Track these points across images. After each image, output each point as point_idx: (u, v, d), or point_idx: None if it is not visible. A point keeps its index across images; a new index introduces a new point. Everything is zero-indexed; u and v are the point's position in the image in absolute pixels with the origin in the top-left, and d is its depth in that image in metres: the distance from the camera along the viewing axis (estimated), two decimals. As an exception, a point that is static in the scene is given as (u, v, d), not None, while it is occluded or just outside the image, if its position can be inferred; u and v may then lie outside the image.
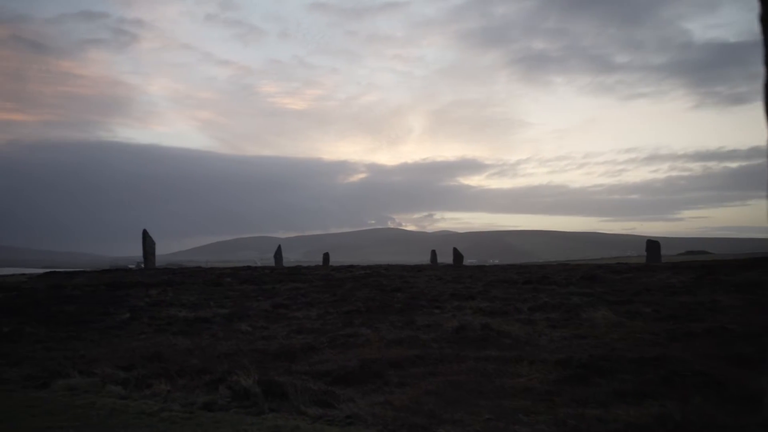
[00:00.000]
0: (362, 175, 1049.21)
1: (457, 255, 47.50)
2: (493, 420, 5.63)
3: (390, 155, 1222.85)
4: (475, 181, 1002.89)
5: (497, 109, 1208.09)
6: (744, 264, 26.28)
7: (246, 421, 5.92)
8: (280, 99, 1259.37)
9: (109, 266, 64.98)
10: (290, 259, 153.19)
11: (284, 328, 12.37)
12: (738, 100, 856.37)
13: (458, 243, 71.51)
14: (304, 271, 33.20)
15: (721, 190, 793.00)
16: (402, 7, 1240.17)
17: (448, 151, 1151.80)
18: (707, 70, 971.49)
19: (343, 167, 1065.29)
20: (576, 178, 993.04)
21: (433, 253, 52.41)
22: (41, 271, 38.26)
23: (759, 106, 2.62)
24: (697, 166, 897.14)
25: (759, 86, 2.62)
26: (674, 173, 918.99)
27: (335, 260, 60.23)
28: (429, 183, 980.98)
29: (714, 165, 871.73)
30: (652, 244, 43.65)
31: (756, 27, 2.66)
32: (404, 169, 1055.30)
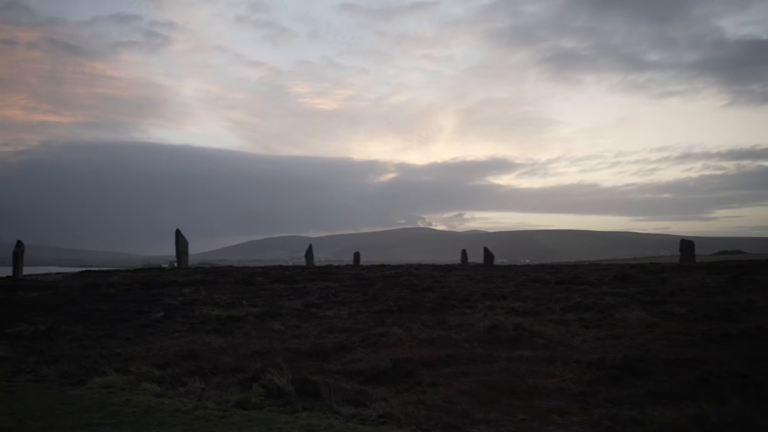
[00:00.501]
0: (392, 175, 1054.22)
1: (488, 254, 47.13)
2: (527, 420, 5.61)
3: (420, 155, 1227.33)
4: (505, 180, 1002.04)
5: (527, 108, 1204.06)
6: (782, 264, 25.73)
7: (280, 419, 5.98)
8: (310, 99, 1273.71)
9: (142, 265, 66.19)
10: (321, 258, 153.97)
11: (316, 327, 12.44)
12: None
13: (488, 242, 71.23)
14: (335, 271, 33.22)
15: (756, 189, 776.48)
16: (431, 7, 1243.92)
17: (477, 150, 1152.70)
18: (740, 67, 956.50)
19: (374, 167, 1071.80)
20: (608, 177, 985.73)
21: (464, 253, 52.07)
22: (76, 269, 38.84)
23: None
24: (730, 165, 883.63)
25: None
26: (707, 172, 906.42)
27: (365, 260, 60.25)
28: (459, 182, 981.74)
29: (748, 163, 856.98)
30: (686, 244, 42.81)
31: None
32: (434, 168, 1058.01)
